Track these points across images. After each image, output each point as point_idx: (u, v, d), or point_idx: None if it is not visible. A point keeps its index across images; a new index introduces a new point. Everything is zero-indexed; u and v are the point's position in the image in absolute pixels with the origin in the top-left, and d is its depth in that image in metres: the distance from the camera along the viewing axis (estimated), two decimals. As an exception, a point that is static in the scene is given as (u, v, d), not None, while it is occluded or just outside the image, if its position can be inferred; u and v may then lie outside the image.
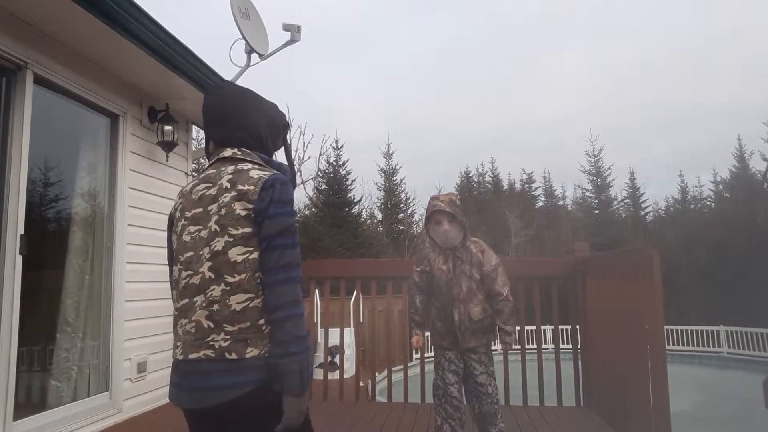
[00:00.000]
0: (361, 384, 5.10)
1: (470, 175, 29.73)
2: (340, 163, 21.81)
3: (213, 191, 1.41)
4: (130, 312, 3.72)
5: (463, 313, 2.86)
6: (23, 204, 2.86)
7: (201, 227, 1.40)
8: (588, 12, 42.93)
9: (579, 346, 4.15)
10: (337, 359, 7.20)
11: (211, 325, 1.35)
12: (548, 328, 11.48)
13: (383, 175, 25.09)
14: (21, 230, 2.84)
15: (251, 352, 1.32)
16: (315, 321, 7.69)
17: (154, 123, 4.02)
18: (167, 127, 3.98)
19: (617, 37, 42.73)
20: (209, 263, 1.36)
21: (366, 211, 24.16)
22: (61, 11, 2.79)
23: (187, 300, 1.43)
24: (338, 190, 21.43)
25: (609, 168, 25.11)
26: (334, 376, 4.66)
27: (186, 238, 1.44)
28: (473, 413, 2.93)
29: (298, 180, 20.93)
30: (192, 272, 1.40)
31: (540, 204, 29.26)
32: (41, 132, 3.05)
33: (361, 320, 9.61)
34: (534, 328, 4.30)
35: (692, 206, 25.14)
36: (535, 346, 4.33)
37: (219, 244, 1.35)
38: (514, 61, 43.67)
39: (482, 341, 2.92)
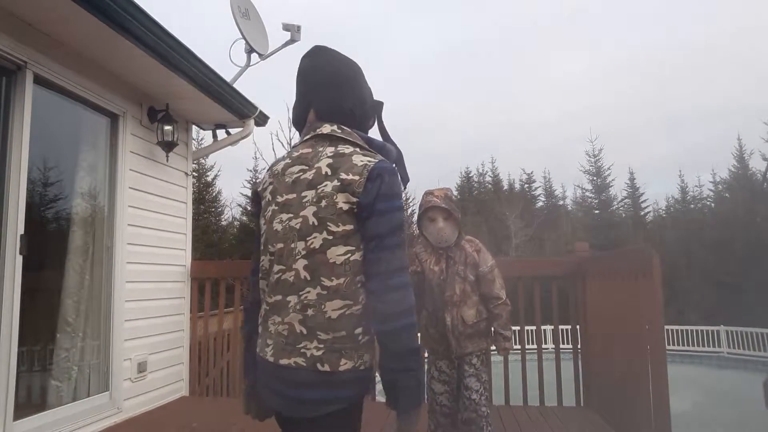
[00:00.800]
0: (361, 384, 5.09)
1: (470, 175, 29.78)
2: (340, 163, 21.81)
3: (309, 175, 1.26)
4: (130, 312, 3.72)
5: (456, 316, 2.66)
6: (23, 204, 2.86)
7: (293, 215, 1.25)
8: (588, 12, 42.93)
9: (579, 346, 4.15)
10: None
11: (304, 332, 1.22)
12: (548, 328, 11.46)
13: (383, 175, 25.08)
14: (21, 230, 2.84)
15: (345, 365, 1.21)
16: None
17: (154, 123, 4.02)
18: (167, 127, 3.97)
19: (617, 36, 42.73)
20: (305, 261, 1.22)
21: (366, 211, 24.16)
22: (61, 11, 2.79)
23: (280, 297, 1.28)
24: (338, 190, 21.44)
25: (609, 168, 25.19)
26: (334, 376, 4.65)
27: (277, 226, 1.29)
28: (460, 419, 2.74)
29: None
30: (284, 267, 1.26)
31: (540, 204, 29.31)
32: (41, 132, 3.05)
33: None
34: (534, 328, 4.30)
35: (692, 206, 25.16)
36: (535, 346, 4.33)
37: (317, 241, 1.21)
38: (514, 61, 43.70)
39: (479, 346, 2.73)
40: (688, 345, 16.13)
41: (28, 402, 3.06)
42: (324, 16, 37.27)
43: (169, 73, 3.58)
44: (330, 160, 1.25)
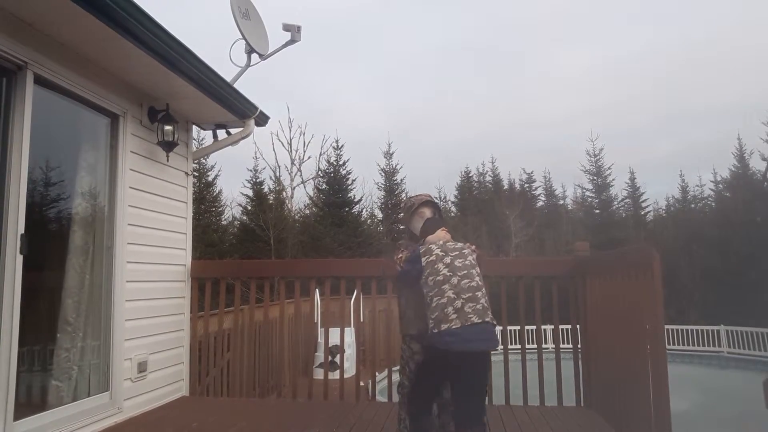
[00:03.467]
0: (362, 384, 5.10)
1: (470, 174, 29.71)
2: (341, 162, 21.84)
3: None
4: (130, 312, 3.72)
5: None
6: (23, 204, 2.86)
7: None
8: (588, 11, 42.91)
9: (579, 346, 4.15)
10: (337, 359, 7.20)
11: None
12: (549, 327, 11.46)
13: (383, 174, 25.11)
14: (21, 230, 2.84)
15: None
16: (315, 321, 7.69)
17: (155, 123, 4.02)
18: (167, 127, 3.97)
19: (617, 36, 42.71)
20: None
21: (366, 211, 24.20)
22: (61, 11, 2.79)
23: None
24: (338, 189, 21.46)
25: (609, 167, 25.12)
26: (335, 375, 4.66)
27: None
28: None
29: (298, 180, 20.94)
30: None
31: (540, 203, 29.25)
32: (41, 132, 3.05)
33: (362, 320, 9.62)
34: (534, 327, 4.30)
35: (693, 206, 25.12)
36: (535, 346, 4.33)
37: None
38: (514, 60, 43.68)
39: None
40: (689, 344, 16.10)
41: (29, 402, 3.06)
42: (324, 14, 37.23)
43: (169, 73, 3.59)
44: None
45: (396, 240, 22.00)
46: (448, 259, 2.77)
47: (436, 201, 3.01)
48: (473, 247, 2.98)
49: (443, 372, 2.78)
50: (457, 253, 2.82)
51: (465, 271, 2.73)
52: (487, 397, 2.88)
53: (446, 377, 2.81)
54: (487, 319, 2.63)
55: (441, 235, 2.96)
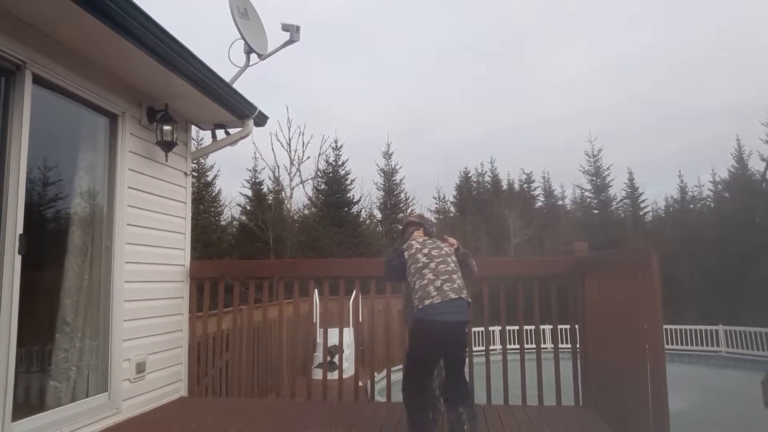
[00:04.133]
0: (360, 384, 5.11)
1: (469, 175, 29.71)
2: (339, 163, 21.84)
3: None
4: (129, 312, 3.72)
5: None
6: (22, 204, 2.86)
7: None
8: (588, 11, 42.94)
9: (578, 346, 4.16)
10: (336, 359, 7.20)
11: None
12: (547, 327, 11.46)
13: (383, 174, 25.10)
14: (20, 230, 2.84)
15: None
16: (314, 321, 7.69)
17: (153, 123, 4.02)
18: (166, 127, 3.97)
19: (617, 36, 42.74)
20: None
21: (365, 211, 24.19)
22: (60, 11, 2.79)
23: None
24: (337, 189, 21.46)
25: (608, 168, 25.15)
26: (333, 375, 4.66)
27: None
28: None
29: (297, 180, 20.94)
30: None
31: (539, 204, 29.26)
32: (40, 132, 3.05)
33: (360, 320, 9.61)
34: (533, 327, 4.30)
35: (691, 206, 25.15)
36: (534, 346, 4.33)
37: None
38: (514, 60, 43.70)
39: None
40: (687, 344, 16.12)
41: (27, 402, 3.06)
42: (323, 13, 37.22)
43: (168, 73, 3.58)
44: None
45: (395, 241, 22.06)
46: (425, 250, 3.25)
47: (422, 220, 3.64)
48: (452, 241, 3.42)
49: (430, 344, 3.14)
50: (434, 245, 3.30)
51: (441, 258, 3.21)
52: (469, 379, 3.52)
53: (435, 348, 3.17)
54: (462, 296, 3.10)
55: (416, 235, 3.46)
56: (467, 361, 3.47)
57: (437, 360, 3.28)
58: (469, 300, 3.15)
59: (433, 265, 3.15)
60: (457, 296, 3.06)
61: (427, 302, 3.03)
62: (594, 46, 42.86)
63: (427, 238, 3.41)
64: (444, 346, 3.15)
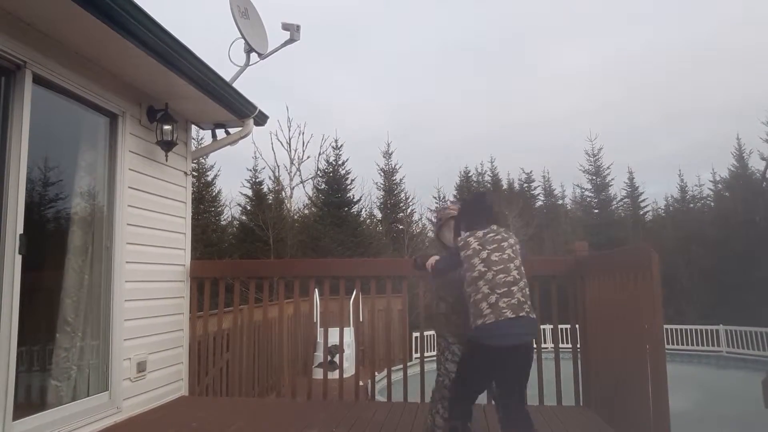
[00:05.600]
0: (361, 383, 5.11)
1: (469, 174, 29.67)
2: (340, 162, 21.82)
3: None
4: (129, 311, 3.72)
5: None
6: (22, 203, 2.86)
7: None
8: (588, 11, 42.90)
9: (578, 346, 4.15)
10: (336, 359, 7.20)
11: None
12: (548, 327, 11.48)
13: (383, 174, 25.08)
14: (20, 230, 2.84)
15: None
16: (314, 320, 7.69)
17: (153, 122, 4.01)
18: (166, 127, 3.97)
19: (617, 36, 42.73)
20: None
21: (365, 211, 24.15)
22: (60, 11, 2.78)
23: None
24: (338, 189, 21.44)
25: (608, 167, 25.13)
26: (334, 375, 4.66)
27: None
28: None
29: (297, 179, 20.94)
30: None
31: (539, 203, 29.23)
32: (40, 132, 3.05)
33: (361, 319, 9.62)
34: (533, 327, 4.29)
35: (692, 205, 25.13)
36: (534, 346, 4.33)
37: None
38: (514, 60, 43.68)
39: None
40: (687, 344, 16.12)
41: (28, 401, 3.06)
42: (323, 13, 37.19)
43: (168, 72, 3.58)
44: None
45: (395, 240, 21.98)
46: (484, 254, 2.77)
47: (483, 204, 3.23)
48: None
49: (484, 368, 2.81)
50: (496, 246, 2.80)
51: (501, 266, 2.73)
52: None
53: (488, 373, 2.85)
54: (522, 314, 2.64)
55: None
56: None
57: (486, 387, 3.06)
58: (533, 315, 2.74)
59: (490, 275, 2.70)
60: (514, 315, 2.62)
61: (479, 322, 2.66)
62: (594, 45, 42.86)
63: (489, 230, 2.88)
64: (496, 370, 2.79)
